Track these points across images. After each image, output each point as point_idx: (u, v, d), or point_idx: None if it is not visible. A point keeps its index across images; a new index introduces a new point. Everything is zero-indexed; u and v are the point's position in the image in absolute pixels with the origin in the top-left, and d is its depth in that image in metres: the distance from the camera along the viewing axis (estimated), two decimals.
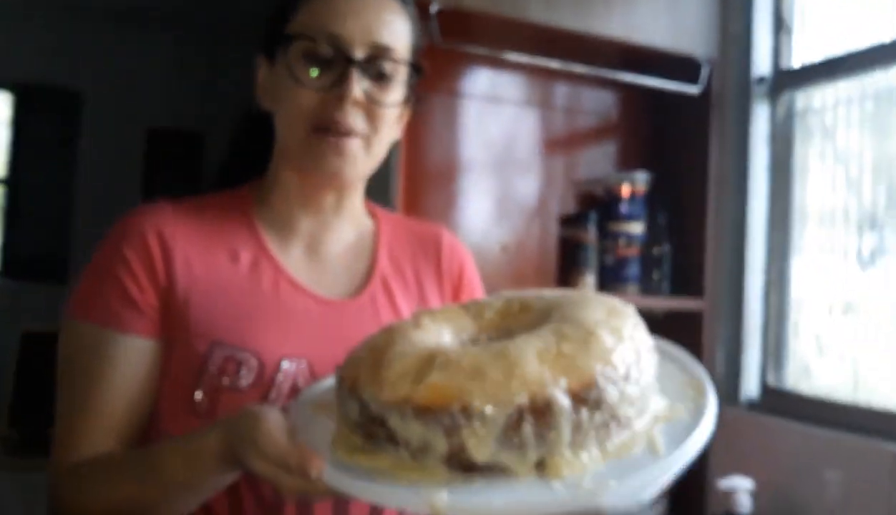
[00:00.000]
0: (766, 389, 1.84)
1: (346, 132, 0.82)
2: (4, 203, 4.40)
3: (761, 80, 1.87)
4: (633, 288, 1.90)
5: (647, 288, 1.91)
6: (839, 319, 1.75)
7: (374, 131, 0.84)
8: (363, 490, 0.54)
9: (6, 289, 4.25)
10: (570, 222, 1.94)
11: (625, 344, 0.56)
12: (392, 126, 0.88)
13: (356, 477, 0.54)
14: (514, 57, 1.80)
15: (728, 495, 1.61)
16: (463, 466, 0.52)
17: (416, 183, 1.83)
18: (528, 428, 0.50)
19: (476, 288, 1.01)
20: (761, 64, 1.89)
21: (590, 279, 1.89)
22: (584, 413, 0.52)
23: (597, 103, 2.05)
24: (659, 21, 1.83)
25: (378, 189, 1.49)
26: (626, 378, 0.54)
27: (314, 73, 0.82)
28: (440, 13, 1.60)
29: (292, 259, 0.89)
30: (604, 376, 0.53)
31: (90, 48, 4.41)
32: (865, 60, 1.66)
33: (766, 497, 1.65)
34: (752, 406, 1.85)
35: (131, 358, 0.80)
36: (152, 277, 0.82)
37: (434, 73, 1.82)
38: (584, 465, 0.51)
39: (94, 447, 0.78)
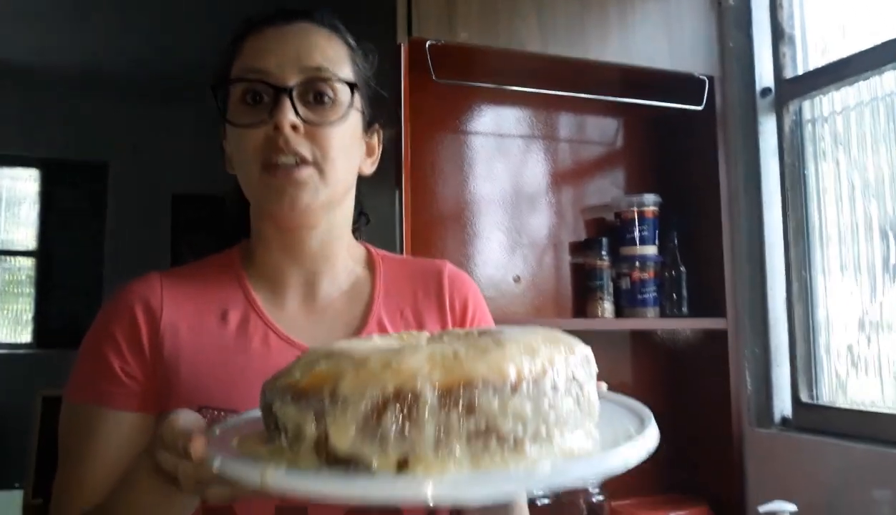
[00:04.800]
0: (799, 405, 1.76)
1: (293, 159, 0.81)
2: (35, 274, 4.50)
3: (765, 91, 1.84)
4: (651, 311, 1.86)
5: (667, 310, 1.86)
6: (870, 330, 1.67)
7: (324, 155, 0.83)
8: (224, 464, 0.52)
9: (36, 359, 4.31)
10: (582, 249, 1.91)
11: (533, 362, 0.51)
12: (348, 151, 0.86)
13: (228, 458, 0.53)
14: (514, 88, 1.80)
15: None
16: (329, 456, 0.50)
17: (427, 223, 1.82)
18: (389, 420, 0.47)
19: (483, 320, 0.98)
20: (764, 76, 1.86)
21: (607, 305, 1.85)
22: (455, 415, 0.48)
23: (601, 130, 2.04)
24: (656, 42, 1.82)
25: (384, 235, 1.49)
26: (516, 391, 0.49)
27: (252, 113, 0.82)
28: (434, 48, 1.61)
29: (285, 312, 0.89)
30: (484, 380, 0.48)
31: (113, 122, 4.55)
32: (870, 61, 1.62)
33: None
34: (786, 423, 1.77)
35: (118, 432, 0.81)
36: (139, 352, 0.83)
37: (439, 112, 1.85)
38: (445, 470, 0.47)
39: None
